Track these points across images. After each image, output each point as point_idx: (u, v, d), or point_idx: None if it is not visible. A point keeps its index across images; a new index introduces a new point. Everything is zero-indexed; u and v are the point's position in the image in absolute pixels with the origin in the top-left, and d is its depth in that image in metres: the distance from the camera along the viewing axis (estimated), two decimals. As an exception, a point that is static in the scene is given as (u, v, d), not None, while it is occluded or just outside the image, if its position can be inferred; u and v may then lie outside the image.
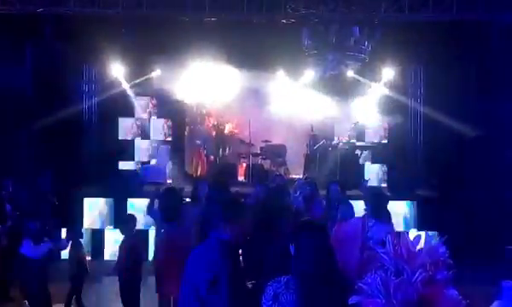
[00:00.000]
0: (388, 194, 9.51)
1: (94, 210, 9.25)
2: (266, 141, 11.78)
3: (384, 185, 11.05)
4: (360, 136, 12.42)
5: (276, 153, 11.68)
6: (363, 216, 4.59)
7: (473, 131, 9.46)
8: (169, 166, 11.60)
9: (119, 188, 9.37)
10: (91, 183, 9.78)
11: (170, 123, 12.19)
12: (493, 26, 9.11)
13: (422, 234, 1.67)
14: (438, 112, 10.38)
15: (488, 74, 9.40)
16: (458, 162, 9.89)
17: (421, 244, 1.55)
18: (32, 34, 9.40)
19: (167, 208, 4.86)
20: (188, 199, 5.73)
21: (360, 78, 11.55)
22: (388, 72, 11.46)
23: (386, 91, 11.62)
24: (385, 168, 11.87)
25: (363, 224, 4.32)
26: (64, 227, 6.61)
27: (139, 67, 11.23)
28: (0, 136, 9.02)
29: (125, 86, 11.48)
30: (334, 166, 10.79)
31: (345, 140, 12.14)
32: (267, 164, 11.90)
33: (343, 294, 1.90)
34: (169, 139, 12.16)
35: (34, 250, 5.38)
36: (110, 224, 9.21)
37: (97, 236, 9.16)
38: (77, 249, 6.24)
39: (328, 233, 3.14)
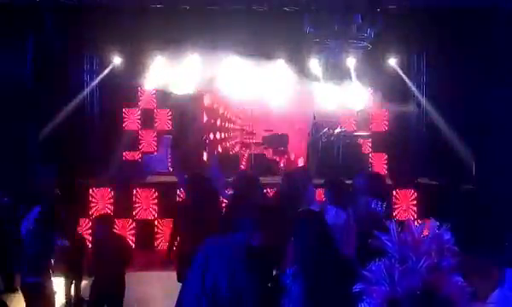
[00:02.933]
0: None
1: (99, 199, 9.28)
2: (268, 130, 11.76)
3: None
4: (363, 124, 12.38)
5: (278, 142, 11.66)
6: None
7: (476, 119, 9.42)
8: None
9: (122, 178, 9.41)
10: (95, 173, 9.80)
11: (172, 113, 12.17)
12: (497, 13, 9.03)
13: (427, 221, 1.65)
14: (440, 101, 10.34)
15: (492, 62, 9.32)
16: (460, 150, 9.87)
17: (426, 231, 1.54)
18: (32, 25, 9.37)
19: None
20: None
21: (362, 66, 11.48)
22: (391, 60, 11.40)
23: (389, 79, 11.56)
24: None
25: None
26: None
27: (140, 57, 11.17)
28: (1, 128, 9.01)
29: (128, 76, 11.44)
30: (337, 155, 10.77)
31: (347, 128, 12.11)
32: (269, 153, 11.90)
33: (345, 279, 1.90)
34: (171, 129, 12.15)
35: None
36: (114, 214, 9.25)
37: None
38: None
39: (325, 220, 3.11)
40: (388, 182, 9.04)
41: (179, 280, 4.72)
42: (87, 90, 11.30)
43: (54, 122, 9.77)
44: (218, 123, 12.47)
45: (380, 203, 4.73)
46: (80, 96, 11.00)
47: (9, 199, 6.85)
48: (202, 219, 4.74)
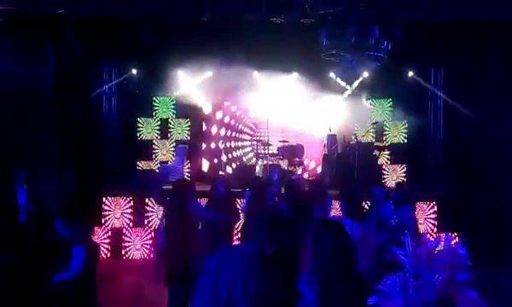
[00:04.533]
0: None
1: (114, 209, 9.36)
2: (284, 141, 11.77)
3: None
4: (379, 136, 12.33)
5: (294, 153, 11.65)
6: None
7: (494, 131, 9.31)
8: (187, 166, 11.77)
9: (138, 188, 9.48)
10: (111, 183, 9.91)
11: (189, 122, 12.27)
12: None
13: (442, 235, 1.64)
14: (458, 112, 10.25)
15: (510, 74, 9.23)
16: (480, 162, 9.74)
17: (441, 245, 1.54)
18: (53, 35, 9.56)
19: None
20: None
21: (379, 78, 11.47)
22: (408, 72, 11.36)
23: (406, 91, 11.52)
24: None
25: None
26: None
27: (158, 68, 11.34)
28: (22, 136, 9.17)
29: (145, 86, 11.62)
30: (352, 166, 10.73)
31: (363, 140, 12.06)
32: (285, 164, 11.90)
33: (361, 294, 1.89)
34: (187, 139, 12.25)
35: None
36: (130, 223, 9.33)
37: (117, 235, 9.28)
38: None
39: (345, 230, 3.08)
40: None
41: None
42: (105, 100, 11.49)
43: (71, 130, 9.92)
44: (234, 134, 12.57)
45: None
46: (99, 106, 11.20)
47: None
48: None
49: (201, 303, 3.02)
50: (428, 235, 8.87)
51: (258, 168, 11.36)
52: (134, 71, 11.48)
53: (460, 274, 1.44)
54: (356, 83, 11.87)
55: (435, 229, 9.25)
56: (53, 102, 9.76)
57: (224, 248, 3.16)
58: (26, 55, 9.29)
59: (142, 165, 11.80)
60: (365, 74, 11.42)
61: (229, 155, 12.58)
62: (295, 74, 11.53)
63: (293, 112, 11.87)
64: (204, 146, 12.46)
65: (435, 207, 9.38)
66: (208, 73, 11.57)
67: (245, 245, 3.14)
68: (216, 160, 12.35)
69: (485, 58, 9.59)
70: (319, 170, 12.04)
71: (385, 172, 11.88)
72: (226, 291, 2.86)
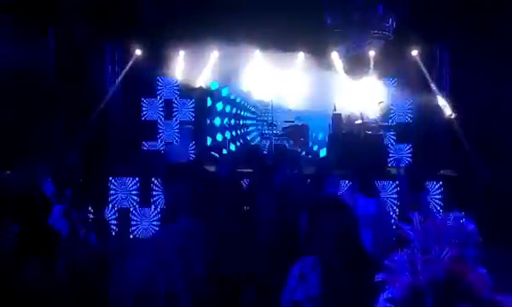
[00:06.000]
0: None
1: (121, 189, 9.40)
2: (288, 121, 11.73)
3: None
4: (385, 115, 12.26)
5: (299, 133, 11.62)
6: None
7: (501, 112, 9.23)
8: (192, 146, 11.77)
9: (143, 168, 9.52)
10: (117, 163, 9.94)
11: (193, 103, 12.24)
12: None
13: (451, 212, 1.63)
14: (464, 92, 10.16)
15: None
16: (486, 142, 9.68)
17: (450, 221, 1.53)
18: (54, 17, 9.49)
19: None
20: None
21: (384, 57, 11.35)
22: (413, 51, 11.23)
23: (412, 70, 11.41)
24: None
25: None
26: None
27: (162, 49, 11.27)
28: (24, 119, 9.17)
29: (149, 66, 11.56)
30: (358, 146, 10.69)
31: (368, 120, 11.99)
32: (290, 144, 11.88)
33: (367, 273, 1.89)
34: (192, 119, 12.23)
35: None
36: (136, 204, 9.39)
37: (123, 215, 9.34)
38: None
39: (348, 207, 3.03)
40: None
41: None
42: (109, 81, 11.45)
43: (75, 112, 9.91)
44: (238, 112, 12.54)
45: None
46: (103, 87, 11.17)
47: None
48: None
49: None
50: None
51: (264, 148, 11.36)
52: (137, 51, 11.41)
53: (469, 249, 1.43)
54: (361, 62, 11.74)
55: (441, 210, 9.24)
56: (56, 86, 9.74)
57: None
58: (25, 37, 9.24)
59: (147, 145, 11.81)
60: (370, 53, 11.29)
61: (233, 132, 12.53)
62: (299, 54, 11.42)
63: (297, 92, 11.78)
64: (208, 122, 12.41)
65: (442, 187, 9.36)
66: (212, 53, 11.48)
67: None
68: (221, 137, 12.33)
69: (492, 35, 9.46)
70: (322, 153, 11.96)
71: (391, 152, 11.83)
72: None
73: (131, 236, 9.18)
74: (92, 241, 5.25)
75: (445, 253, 1.41)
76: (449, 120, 10.70)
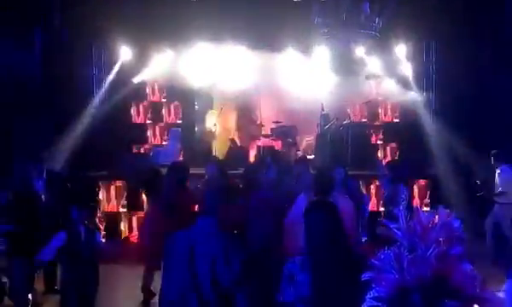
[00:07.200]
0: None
1: (109, 193, 9.33)
2: (277, 121, 11.70)
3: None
4: (372, 115, 12.29)
5: (287, 133, 11.59)
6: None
7: (487, 107, 9.30)
8: (180, 149, 11.68)
9: (131, 171, 9.43)
10: (105, 167, 9.85)
11: (180, 105, 12.17)
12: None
13: (436, 209, 1.63)
14: (451, 89, 10.21)
15: (503, 47, 9.18)
16: (472, 140, 9.74)
17: (435, 219, 1.53)
18: (40, 21, 9.39)
19: None
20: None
21: (371, 56, 11.36)
22: (400, 49, 11.26)
23: (399, 68, 11.43)
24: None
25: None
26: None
27: (148, 49, 11.18)
28: (10, 123, 9.04)
29: (136, 69, 11.45)
30: (346, 146, 10.72)
31: (356, 119, 12.02)
32: (278, 145, 11.84)
33: (354, 271, 1.89)
34: (180, 122, 12.16)
35: None
36: (124, 207, 9.31)
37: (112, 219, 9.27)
38: None
39: (337, 211, 3.07)
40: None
41: None
42: (95, 85, 11.33)
43: (62, 115, 9.79)
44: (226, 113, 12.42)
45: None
46: (89, 91, 11.05)
47: None
48: None
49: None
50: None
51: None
52: (124, 53, 11.28)
53: (454, 247, 1.43)
54: (348, 61, 11.72)
55: (428, 208, 9.29)
56: (42, 87, 9.63)
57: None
58: (13, 41, 9.12)
59: (135, 149, 11.72)
60: (357, 51, 11.28)
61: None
62: (287, 52, 11.35)
63: (285, 91, 11.73)
64: (196, 127, 12.32)
65: (427, 185, 9.42)
66: (198, 52, 11.35)
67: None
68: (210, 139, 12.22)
69: (477, 31, 9.54)
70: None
71: (378, 151, 11.86)
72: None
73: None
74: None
75: (430, 251, 1.41)
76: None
